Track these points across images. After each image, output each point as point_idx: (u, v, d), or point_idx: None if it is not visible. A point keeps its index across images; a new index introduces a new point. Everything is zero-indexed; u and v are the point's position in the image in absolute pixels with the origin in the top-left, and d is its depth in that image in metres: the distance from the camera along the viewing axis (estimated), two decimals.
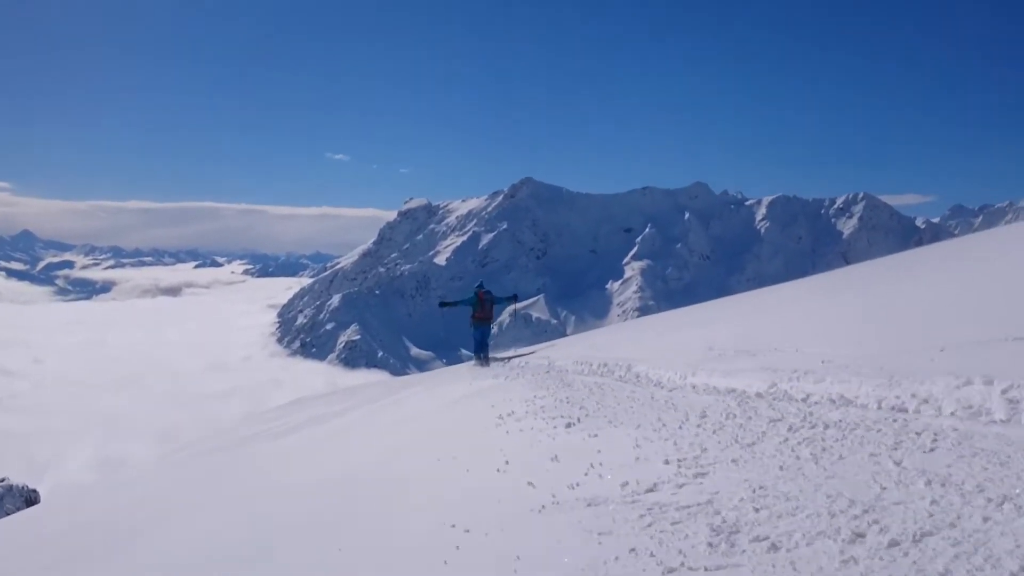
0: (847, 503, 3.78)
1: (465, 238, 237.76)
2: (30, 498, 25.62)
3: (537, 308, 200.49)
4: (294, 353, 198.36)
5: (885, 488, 3.94)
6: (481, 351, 16.46)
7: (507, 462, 5.93)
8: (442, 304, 18.42)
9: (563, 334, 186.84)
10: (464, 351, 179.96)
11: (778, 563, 3.26)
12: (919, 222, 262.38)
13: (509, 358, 15.97)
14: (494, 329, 17.26)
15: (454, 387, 12.49)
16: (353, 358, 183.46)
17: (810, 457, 4.69)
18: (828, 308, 12.39)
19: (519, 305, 20.17)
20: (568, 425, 6.90)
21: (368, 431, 11.01)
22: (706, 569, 3.33)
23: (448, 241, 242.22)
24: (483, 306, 16.44)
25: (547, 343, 19.36)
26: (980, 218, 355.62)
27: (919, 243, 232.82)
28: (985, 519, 3.35)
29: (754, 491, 4.16)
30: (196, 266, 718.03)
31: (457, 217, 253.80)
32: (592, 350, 13.35)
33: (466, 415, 9.54)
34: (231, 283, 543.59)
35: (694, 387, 7.96)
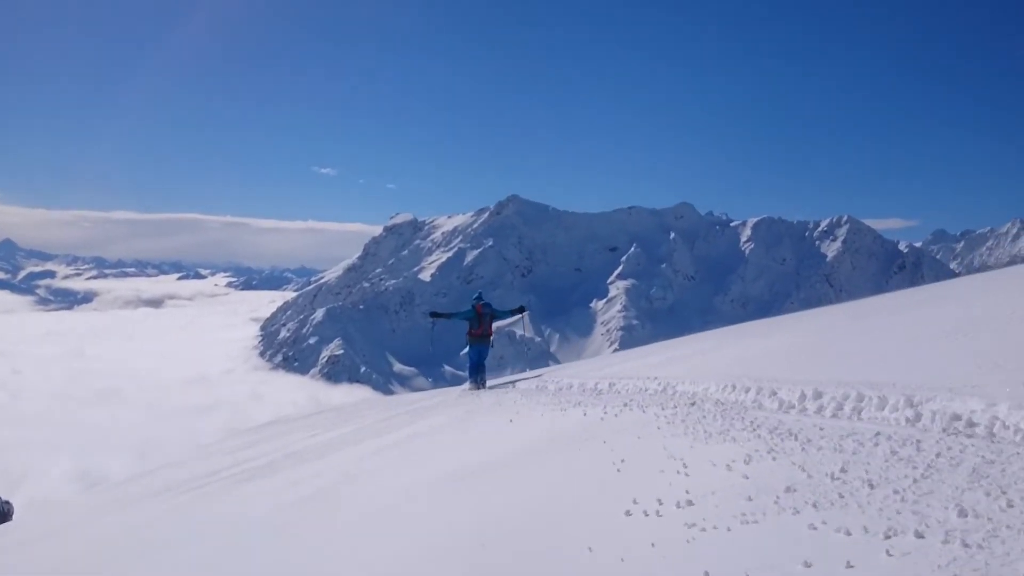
0: None
1: (450, 254, 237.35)
2: (3, 510, 25.24)
3: (521, 326, 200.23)
4: (276, 367, 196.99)
5: None
6: (477, 373, 14.62)
7: None
8: (433, 315, 15.56)
9: (547, 352, 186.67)
10: (448, 367, 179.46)
11: None
12: (902, 246, 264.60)
13: (514, 383, 14.01)
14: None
15: (493, 422, 8.43)
16: (336, 373, 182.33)
17: None
18: None
19: (503, 322, 18.35)
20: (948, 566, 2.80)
21: (364, 508, 6.36)
22: None
23: (433, 257, 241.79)
24: (481, 322, 14.55)
25: (554, 367, 17.88)
26: (962, 243, 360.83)
27: (902, 267, 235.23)
28: None
29: None
30: (179, 278, 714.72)
31: (443, 233, 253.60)
32: (742, 365, 8.41)
33: (565, 494, 4.99)
34: (214, 295, 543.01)
35: None
